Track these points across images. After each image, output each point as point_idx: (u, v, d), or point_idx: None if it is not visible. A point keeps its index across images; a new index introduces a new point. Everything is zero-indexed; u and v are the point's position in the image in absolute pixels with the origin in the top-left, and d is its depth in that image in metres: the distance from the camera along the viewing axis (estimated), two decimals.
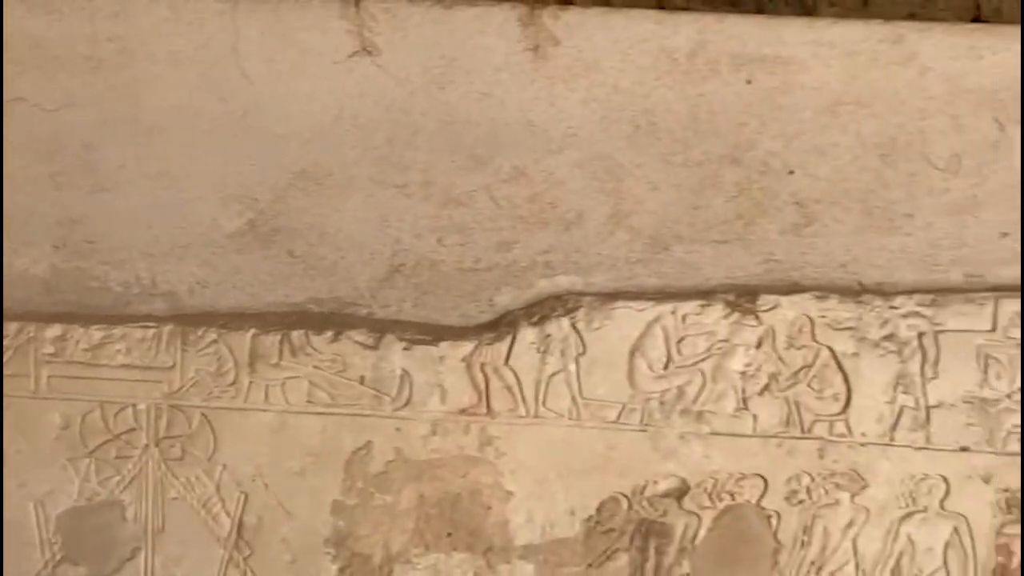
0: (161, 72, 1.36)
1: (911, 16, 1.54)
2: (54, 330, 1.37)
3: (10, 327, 1.37)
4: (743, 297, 1.33)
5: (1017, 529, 1.33)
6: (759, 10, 1.50)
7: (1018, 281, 1.31)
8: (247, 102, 1.31)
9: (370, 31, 1.28)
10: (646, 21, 1.28)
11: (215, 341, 1.35)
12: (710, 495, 1.35)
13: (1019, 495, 1.33)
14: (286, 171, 1.34)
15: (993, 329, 1.30)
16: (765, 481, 1.34)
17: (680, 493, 1.35)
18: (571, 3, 1.48)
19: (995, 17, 1.55)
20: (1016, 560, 1.34)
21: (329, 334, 1.33)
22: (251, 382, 1.35)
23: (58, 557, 1.42)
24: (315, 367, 1.33)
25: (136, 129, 1.37)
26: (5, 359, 1.38)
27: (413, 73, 1.29)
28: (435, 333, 1.34)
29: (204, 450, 1.37)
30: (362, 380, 1.34)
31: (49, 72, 1.38)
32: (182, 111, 1.33)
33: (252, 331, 1.33)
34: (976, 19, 1.56)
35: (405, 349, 1.34)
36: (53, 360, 1.37)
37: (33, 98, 1.39)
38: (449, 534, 1.36)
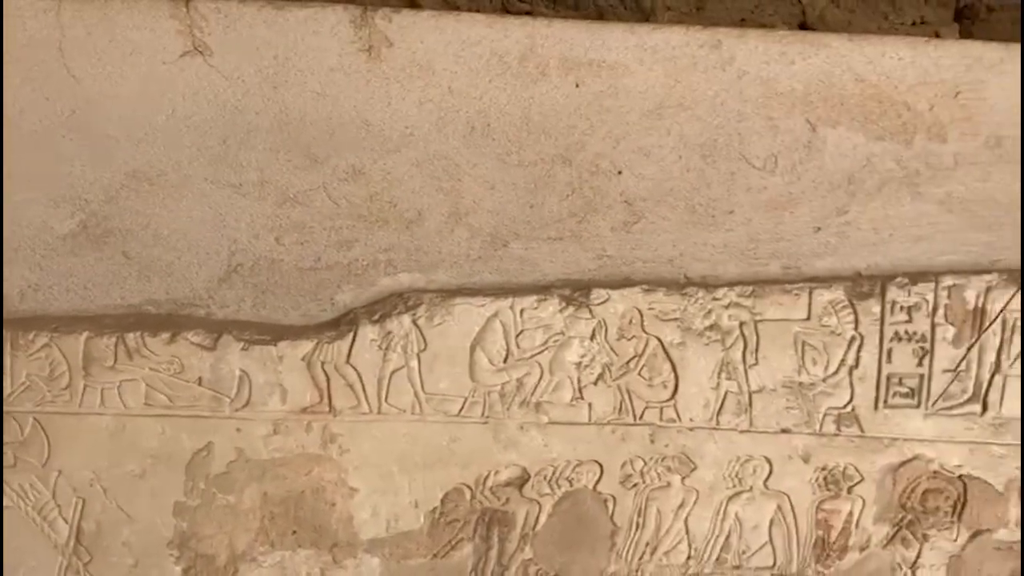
0: None
1: (742, 22, 1.61)
2: None
3: None
4: (577, 292, 1.35)
5: (835, 504, 1.42)
6: (600, 15, 1.55)
7: (830, 272, 1.38)
8: (75, 102, 1.25)
9: (201, 31, 1.24)
10: (476, 25, 1.29)
11: (47, 345, 1.31)
12: (549, 482, 1.38)
13: (835, 472, 1.42)
14: (118, 171, 1.30)
15: (808, 318, 1.37)
16: (601, 467, 1.38)
17: (521, 482, 1.38)
18: (417, 5, 1.47)
19: (820, 24, 1.63)
20: (834, 533, 1.43)
21: (166, 336, 1.31)
22: (86, 386, 1.32)
23: None
24: (152, 369, 1.31)
25: None
26: None
27: (246, 73, 1.26)
28: (274, 332, 1.33)
29: (38, 456, 1.33)
30: (200, 381, 1.32)
31: None
32: (5, 110, 1.26)
33: (86, 334, 1.30)
34: (802, 25, 1.63)
35: (243, 349, 1.32)
36: None
37: None
38: (294, 532, 1.35)
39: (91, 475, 1.35)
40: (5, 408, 1.31)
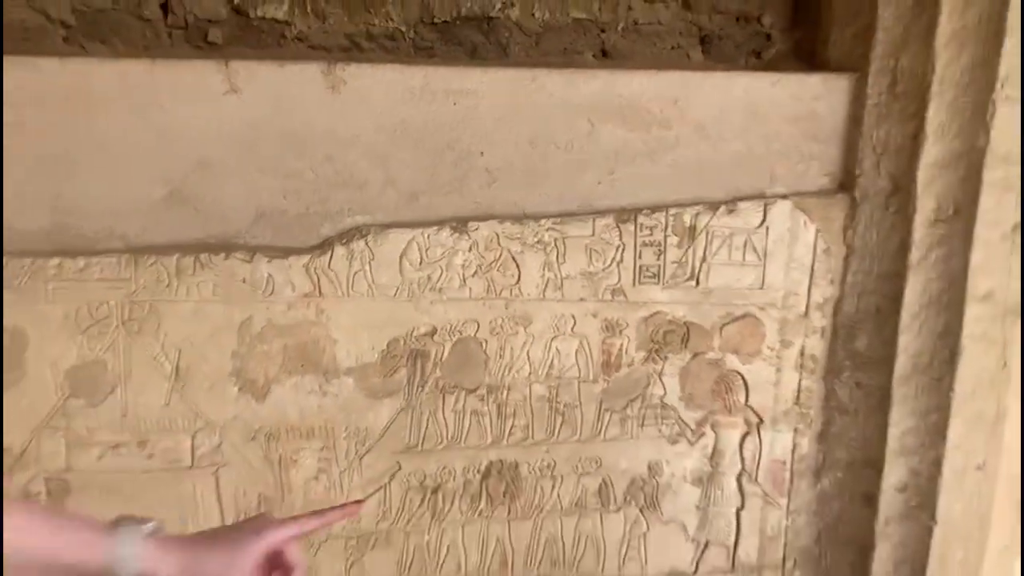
0: None
1: (564, 51, 2.19)
2: (54, 260, 1.76)
3: (24, 260, 1.73)
4: (460, 224, 1.89)
5: (613, 340, 2.15)
6: (474, 49, 2.15)
7: (606, 208, 2.08)
8: (164, 122, 1.78)
9: (235, 79, 1.73)
10: (393, 70, 1.82)
11: (155, 262, 1.79)
12: (448, 333, 1.94)
13: (612, 322, 2.18)
14: (190, 161, 1.76)
15: (593, 234, 2.06)
16: (478, 323, 1.94)
17: (432, 333, 1.94)
18: (361, 53, 2.06)
19: (613, 51, 2.21)
20: (613, 357, 2.17)
21: (223, 255, 1.80)
22: (178, 285, 1.81)
23: (67, 394, 1.80)
24: (215, 274, 1.82)
25: None
26: (22, 283, 1.73)
27: (262, 103, 1.78)
28: (285, 251, 1.83)
29: (153, 326, 1.83)
30: (244, 281, 1.83)
31: None
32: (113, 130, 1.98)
33: (176, 256, 1.80)
34: (603, 51, 2.21)
35: (268, 261, 1.82)
36: (55, 279, 1.77)
37: None
38: (302, 365, 1.90)
39: (183, 336, 1.83)
40: (133, 300, 1.77)
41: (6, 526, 0.97)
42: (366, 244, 1.91)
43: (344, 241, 1.91)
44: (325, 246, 1.91)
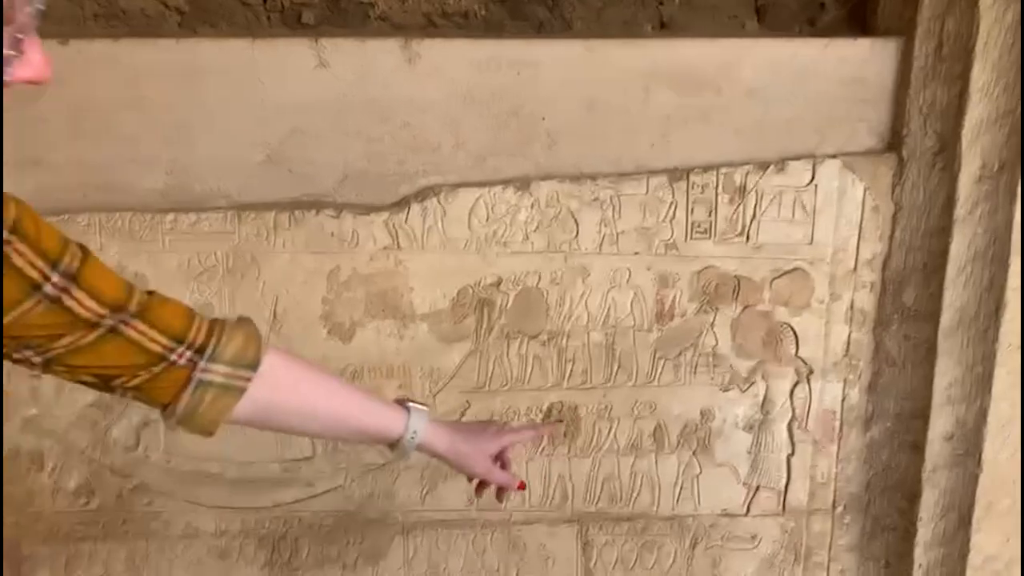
0: None
1: (624, 23, 2.35)
2: (170, 216, 1.94)
3: (145, 215, 1.92)
4: (523, 183, 1.98)
5: (666, 291, 2.27)
6: (540, 24, 2.30)
7: (659, 167, 2.19)
8: (263, 94, 2.05)
9: (324, 54, 1.87)
10: (464, 45, 1.96)
11: (255, 217, 1.94)
12: (512, 283, 2.02)
13: (665, 275, 2.32)
14: (286, 128, 1.93)
15: (647, 192, 2.19)
16: (539, 275, 2.02)
17: (498, 283, 2.02)
18: (435, 30, 2.11)
19: (671, 23, 2.33)
20: (666, 307, 2.28)
21: (314, 212, 1.94)
22: (275, 238, 1.96)
23: None
24: (307, 229, 1.94)
25: None
26: (143, 235, 1.93)
27: (348, 76, 1.92)
28: (368, 209, 1.95)
29: (253, 274, 1.98)
30: (332, 234, 1.96)
31: None
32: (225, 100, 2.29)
33: (274, 212, 1.95)
34: (661, 23, 2.33)
35: (353, 217, 1.94)
36: (171, 232, 1.97)
37: None
38: (383, 310, 2.03)
39: (280, 283, 1.98)
40: (237, 251, 1.92)
41: (318, 384, 1.22)
42: (438, 202, 2.02)
43: (419, 199, 2.01)
44: (402, 204, 2.02)
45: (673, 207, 2.09)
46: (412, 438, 1.28)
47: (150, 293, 1.05)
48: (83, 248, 0.96)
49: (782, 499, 2.28)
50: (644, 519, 2.25)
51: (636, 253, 2.10)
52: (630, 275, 2.12)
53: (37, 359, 0.96)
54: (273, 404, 1.14)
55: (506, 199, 2.05)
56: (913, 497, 2.16)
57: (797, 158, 2.09)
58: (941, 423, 2.20)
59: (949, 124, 1.97)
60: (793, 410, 2.24)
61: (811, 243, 2.15)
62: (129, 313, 0.99)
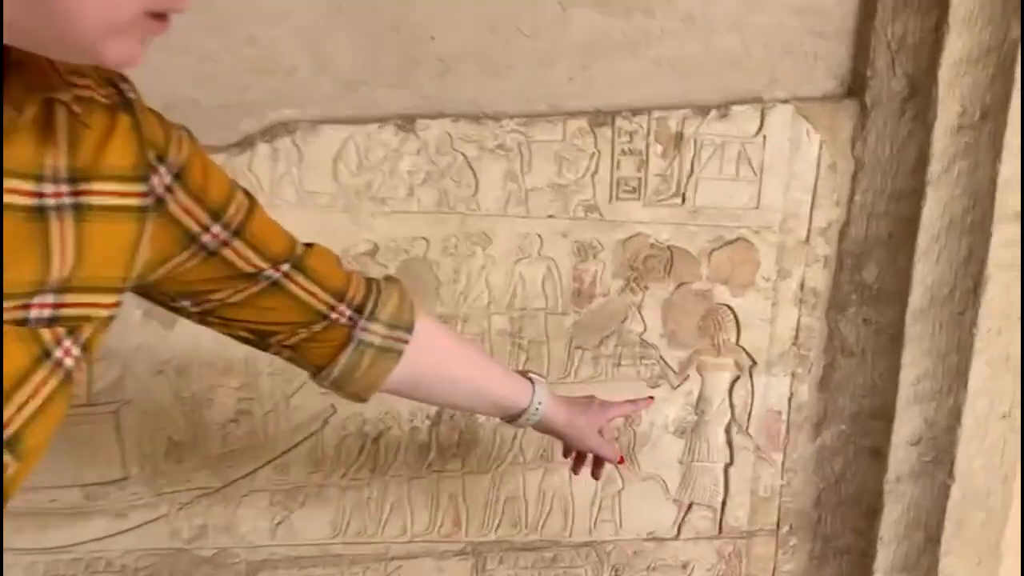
0: None
1: None
2: None
3: None
4: (406, 122, 1.81)
5: (585, 265, 1.95)
6: None
7: (578, 109, 1.87)
8: None
9: None
10: None
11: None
12: (393, 252, 1.86)
13: (585, 244, 1.95)
14: None
15: (564, 139, 1.87)
16: (427, 242, 1.85)
17: (373, 252, 1.83)
18: None
19: None
20: (586, 285, 1.97)
21: None
22: None
23: None
24: None
25: None
26: None
27: None
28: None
29: None
30: None
31: None
32: None
33: None
34: None
35: None
36: None
37: None
38: None
39: None
40: None
41: (462, 351, 1.29)
42: (293, 143, 1.70)
43: (267, 139, 1.70)
44: (244, 144, 1.70)
45: (595, 159, 1.83)
46: (536, 411, 1.30)
47: (308, 245, 1.06)
48: (250, 197, 0.98)
49: (718, 518, 2.16)
50: (554, 547, 2.03)
51: (550, 216, 1.86)
52: (542, 244, 1.88)
53: (194, 309, 0.97)
54: (424, 370, 1.15)
55: (383, 142, 1.75)
56: (872, 513, 2.07)
57: (743, 102, 1.94)
58: (907, 425, 2.00)
59: (923, 63, 1.83)
60: (732, 411, 2.10)
61: (757, 207, 1.99)
62: (291, 265, 1.01)
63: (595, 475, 1.50)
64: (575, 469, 1.50)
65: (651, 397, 1.71)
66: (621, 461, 1.50)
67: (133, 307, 1.81)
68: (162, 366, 1.87)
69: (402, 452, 2.01)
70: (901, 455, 2.03)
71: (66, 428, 1.75)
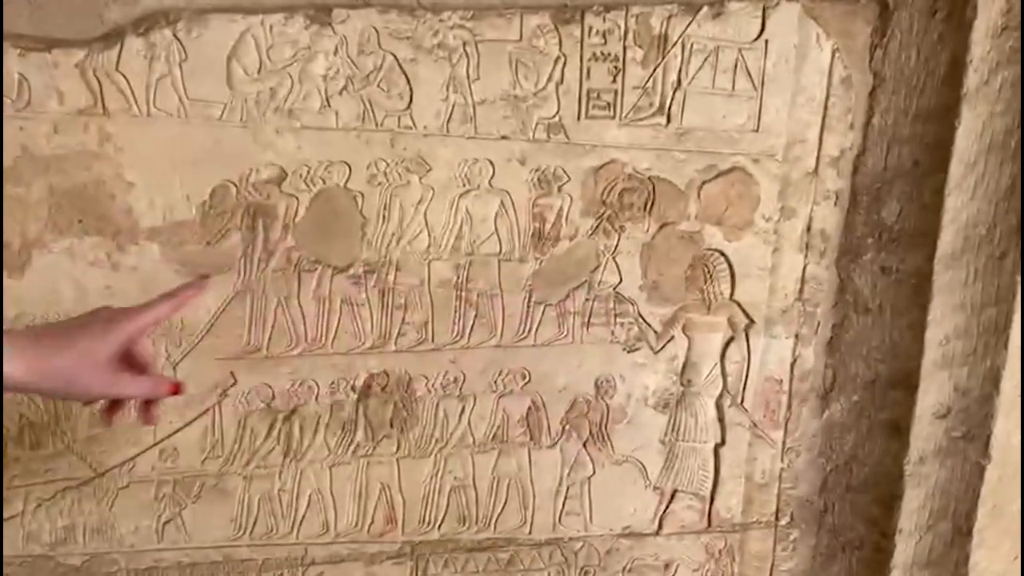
0: None
1: None
2: None
3: None
4: (320, 11, 1.56)
5: (548, 200, 1.71)
6: None
7: (532, 2, 1.62)
8: None
9: None
10: None
11: None
12: (305, 180, 1.62)
13: (547, 173, 1.70)
14: None
15: (520, 39, 1.62)
16: (349, 167, 1.63)
17: (280, 179, 1.62)
18: None
19: None
20: (548, 225, 1.73)
21: None
22: None
23: None
24: None
25: None
26: None
27: None
28: (48, 43, 1.49)
29: None
30: None
31: None
32: None
33: None
34: None
35: (20, 55, 1.47)
36: None
37: None
38: (80, 220, 1.56)
39: None
40: None
41: None
42: (175, 36, 1.49)
43: (142, 31, 1.49)
44: (112, 37, 1.49)
45: (560, 65, 1.61)
46: None
47: None
48: None
49: (707, 509, 1.93)
50: (511, 546, 1.86)
51: (503, 137, 1.65)
52: (494, 172, 1.66)
53: None
54: None
55: (291, 36, 1.53)
56: (889, 500, 1.83)
57: None
58: (933, 394, 1.75)
59: None
60: (725, 379, 1.86)
61: (757, 129, 1.72)
62: None
63: (145, 420, 1.11)
64: (106, 417, 1.09)
65: (205, 276, 1.36)
66: (175, 391, 1.09)
67: None
68: (10, 323, 1.58)
69: (321, 432, 1.76)
70: (925, 430, 1.79)
71: None
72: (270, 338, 1.67)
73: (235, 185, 1.60)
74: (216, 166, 1.58)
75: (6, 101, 1.48)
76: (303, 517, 1.77)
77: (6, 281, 1.56)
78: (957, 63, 1.62)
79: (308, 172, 1.62)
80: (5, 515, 1.65)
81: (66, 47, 1.50)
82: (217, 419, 1.70)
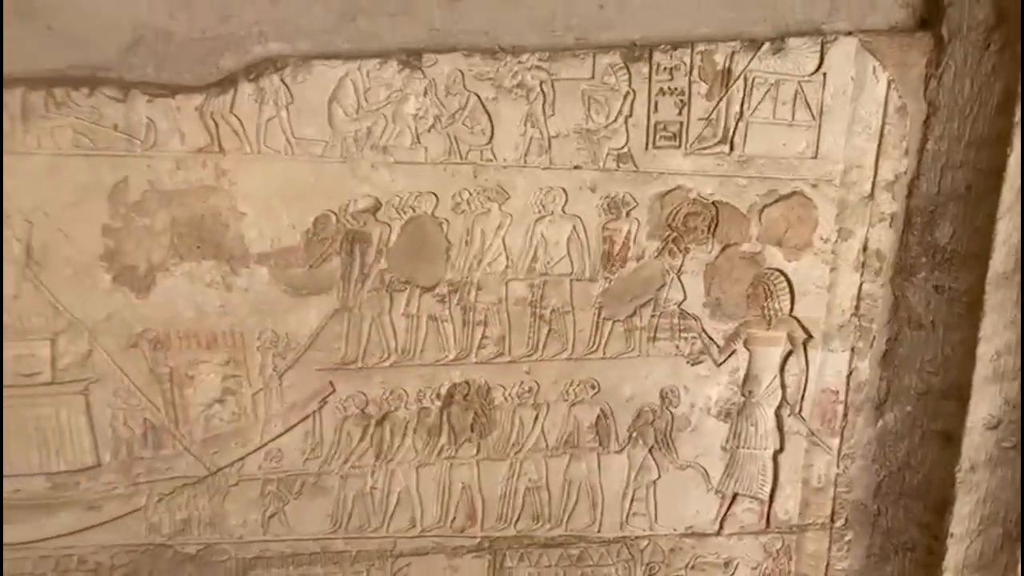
0: None
1: None
2: None
3: None
4: (412, 56, 1.66)
5: (617, 224, 1.79)
6: None
7: (610, 42, 1.70)
8: None
9: None
10: None
11: None
12: (397, 209, 1.73)
13: (616, 199, 1.79)
14: None
15: (593, 77, 1.71)
16: (436, 197, 1.74)
17: (375, 209, 1.73)
18: None
19: None
20: (617, 247, 1.81)
21: (84, 91, 1.56)
22: (24, 131, 1.56)
23: None
24: (77, 118, 1.56)
25: None
26: None
27: None
28: (172, 89, 1.59)
29: None
30: (116, 127, 1.59)
31: None
32: None
33: (21, 90, 1.54)
34: None
35: (148, 101, 1.58)
36: None
37: None
38: (198, 247, 1.69)
39: (35, 203, 1.59)
40: None
41: None
42: (282, 81, 1.61)
43: (252, 77, 1.61)
44: (226, 83, 1.60)
45: (629, 100, 1.70)
46: None
47: None
48: None
49: (766, 511, 2.00)
50: (581, 543, 1.95)
51: (576, 167, 1.73)
52: (567, 199, 1.75)
53: None
54: None
55: (386, 80, 1.65)
56: (941, 506, 1.88)
57: (800, 34, 1.74)
58: (984, 405, 1.80)
59: None
60: (784, 390, 1.92)
61: (815, 156, 1.79)
62: None
63: None
64: None
65: None
66: None
67: (100, 272, 1.67)
68: (136, 339, 1.72)
69: (409, 436, 1.87)
70: (976, 440, 1.84)
71: (29, 409, 1.60)
72: (365, 351, 1.78)
73: (335, 214, 1.70)
74: (318, 198, 1.69)
75: (136, 144, 1.62)
76: (393, 513, 1.89)
77: (133, 300, 1.70)
78: (1010, 93, 1.67)
79: (400, 202, 1.72)
80: (129, 509, 1.80)
81: (187, 92, 1.61)
82: (317, 424, 1.82)
